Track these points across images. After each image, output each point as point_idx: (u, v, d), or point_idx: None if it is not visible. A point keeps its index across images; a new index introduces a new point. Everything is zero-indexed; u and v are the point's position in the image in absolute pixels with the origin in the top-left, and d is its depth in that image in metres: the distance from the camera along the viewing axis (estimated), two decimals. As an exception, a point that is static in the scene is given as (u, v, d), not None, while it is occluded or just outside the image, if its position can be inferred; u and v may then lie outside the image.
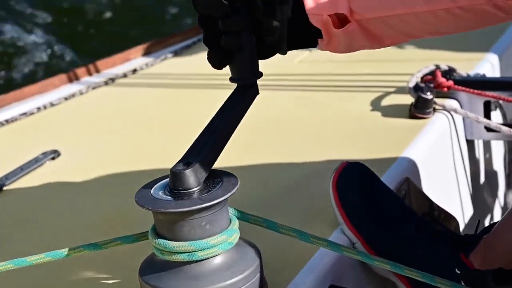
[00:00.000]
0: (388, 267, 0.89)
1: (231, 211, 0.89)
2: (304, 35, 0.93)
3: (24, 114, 1.95)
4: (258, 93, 0.96)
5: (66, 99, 2.05)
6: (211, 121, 0.92)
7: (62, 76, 2.22)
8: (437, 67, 1.62)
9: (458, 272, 1.03)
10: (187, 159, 0.85)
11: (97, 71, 2.30)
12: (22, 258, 0.91)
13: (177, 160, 0.86)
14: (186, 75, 2.11)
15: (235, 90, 0.96)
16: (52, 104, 2.01)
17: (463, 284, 1.02)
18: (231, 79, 0.95)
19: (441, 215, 1.27)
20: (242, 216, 0.90)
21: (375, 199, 1.06)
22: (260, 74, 0.95)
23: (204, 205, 0.80)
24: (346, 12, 0.87)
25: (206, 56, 0.93)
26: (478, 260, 1.05)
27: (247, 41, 0.91)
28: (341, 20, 0.88)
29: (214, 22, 0.90)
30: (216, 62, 0.93)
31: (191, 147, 0.88)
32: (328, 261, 1.00)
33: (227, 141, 0.90)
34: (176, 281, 0.83)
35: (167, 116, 1.80)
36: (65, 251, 0.91)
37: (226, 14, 0.89)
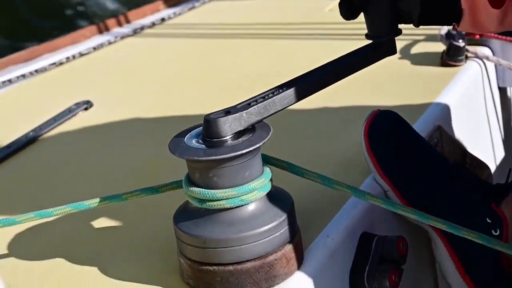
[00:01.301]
0: (412, 216, 0.89)
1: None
2: (441, 11, 0.90)
3: (54, 64, 1.96)
4: (394, 52, 0.96)
5: (95, 49, 2.06)
6: (306, 73, 0.92)
7: (93, 27, 2.22)
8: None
9: (489, 221, 1.03)
10: (230, 109, 0.85)
11: (128, 21, 2.30)
12: (46, 209, 0.92)
13: (211, 110, 0.86)
14: (216, 25, 2.11)
15: (368, 44, 0.96)
16: (81, 54, 2.02)
17: (493, 232, 1.03)
18: (366, 36, 0.96)
19: (473, 163, 1.27)
20: (267, 160, 0.91)
21: (407, 147, 1.06)
22: (398, 31, 0.95)
23: (236, 153, 0.81)
24: None
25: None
26: (509, 209, 1.05)
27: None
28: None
29: None
30: (342, 12, 0.93)
31: (251, 98, 0.88)
32: (360, 209, 1.01)
33: (309, 94, 0.91)
34: (210, 228, 0.84)
35: (198, 66, 1.80)
36: (89, 203, 0.93)
37: None
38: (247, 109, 0.85)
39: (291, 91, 0.90)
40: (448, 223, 0.88)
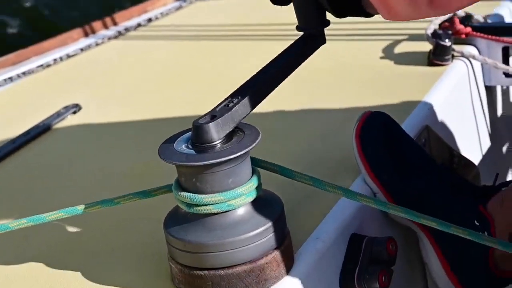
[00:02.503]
0: (404, 215, 0.90)
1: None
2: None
3: (41, 66, 1.96)
4: (324, 42, 0.97)
5: (82, 50, 2.05)
6: (259, 72, 0.93)
7: (80, 30, 2.22)
8: (455, 14, 1.61)
9: (477, 223, 1.04)
10: (213, 112, 0.86)
11: (115, 23, 2.30)
12: (39, 215, 0.92)
13: (200, 112, 0.87)
14: (204, 26, 2.11)
15: (299, 38, 0.96)
16: (68, 56, 2.02)
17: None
18: (297, 28, 0.96)
19: (461, 162, 1.28)
20: (257, 163, 0.91)
21: (397, 149, 1.06)
22: (326, 23, 0.96)
23: (225, 158, 0.81)
24: None
25: None
26: (496, 211, 1.06)
27: None
28: None
29: None
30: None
31: (227, 97, 0.89)
32: (350, 210, 1.01)
33: (269, 92, 0.91)
34: (199, 232, 0.85)
35: (186, 67, 1.80)
36: (82, 207, 0.93)
37: None
38: (229, 110, 0.85)
39: (256, 90, 0.90)
40: (438, 220, 0.88)
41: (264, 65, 0.95)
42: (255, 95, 0.89)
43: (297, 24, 0.97)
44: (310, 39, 0.97)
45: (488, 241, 0.89)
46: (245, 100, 0.88)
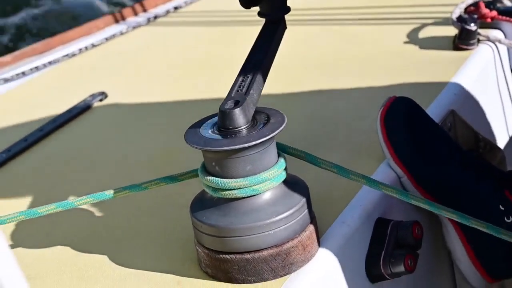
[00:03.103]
0: (425, 206, 0.90)
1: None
2: None
3: (67, 55, 1.97)
4: (285, 27, 0.97)
5: (107, 39, 2.06)
6: (248, 57, 0.93)
7: (106, 18, 2.23)
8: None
9: (502, 208, 1.04)
10: (234, 98, 0.86)
11: (140, 11, 2.31)
12: (67, 200, 0.93)
13: (223, 98, 0.87)
14: (229, 12, 2.11)
15: (264, 25, 0.97)
16: (93, 45, 2.03)
17: (506, 219, 1.03)
18: (259, 13, 0.97)
19: (487, 146, 1.27)
20: (283, 149, 0.91)
21: (422, 134, 1.06)
22: (287, 9, 0.96)
23: (253, 143, 0.82)
24: None
25: None
26: None
27: None
28: None
29: None
30: (242, 2, 0.94)
31: (234, 84, 0.90)
32: (375, 194, 1.01)
33: (266, 77, 0.92)
34: (226, 217, 0.85)
35: (210, 54, 1.80)
36: (110, 193, 0.94)
37: None
38: (248, 94, 0.86)
39: (257, 70, 0.91)
40: (458, 213, 0.88)
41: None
42: (260, 76, 0.90)
43: (259, 10, 0.97)
44: (273, 25, 0.98)
45: (506, 235, 0.89)
46: (255, 83, 0.88)
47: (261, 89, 0.90)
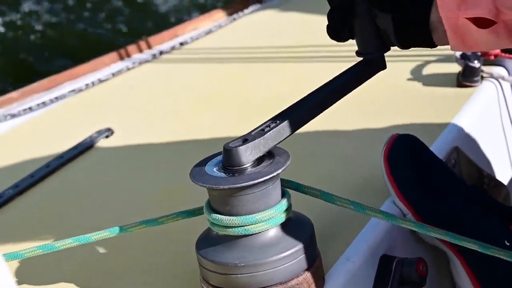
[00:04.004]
0: (446, 238, 0.90)
1: (288, 183, 0.92)
2: (419, 33, 0.89)
3: (73, 91, 1.99)
4: (384, 67, 0.98)
5: (113, 75, 2.08)
6: (308, 95, 0.94)
7: (112, 55, 2.25)
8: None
9: (508, 244, 1.04)
10: (246, 136, 0.87)
11: (141, 50, 2.33)
12: (85, 235, 0.94)
13: (231, 135, 0.88)
14: (235, 49, 2.13)
15: (358, 62, 0.98)
16: (100, 81, 2.04)
17: None
18: (357, 53, 0.97)
19: (491, 183, 1.28)
20: (298, 188, 0.92)
21: (425, 170, 1.07)
22: (386, 48, 0.96)
23: (255, 182, 0.82)
24: (489, 15, 0.78)
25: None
26: None
27: (362, 17, 0.93)
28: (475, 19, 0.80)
29: None
30: (332, 34, 0.94)
31: (263, 123, 0.90)
32: (380, 231, 1.02)
33: (309, 120, 0.92)
34: (231, 254, 0.86)
35: (216, 91, 1.81)
36: (126, 227, 0.95)
37: None
38: (262, 135, 0.87)
39: (298, 115, 0.91)
40: (479, 242, 0.89)
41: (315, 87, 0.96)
42: (294, 122, 0.90)
43: (357, 49, 0.97)
44: (369, 65, 0.98)
45: None
46: (282, 126, 0.89)
47: (291, 132, 0.90)
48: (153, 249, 1.09)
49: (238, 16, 2.50)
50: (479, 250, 0.89)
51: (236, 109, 1.62)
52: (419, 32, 0.88)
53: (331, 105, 0.95)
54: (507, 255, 0.89)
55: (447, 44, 0.86)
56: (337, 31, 0.94)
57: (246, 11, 2.55)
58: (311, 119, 0.93)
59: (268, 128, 0.88)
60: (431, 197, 1.05)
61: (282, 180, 0.91)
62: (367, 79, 0.97)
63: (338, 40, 0.95)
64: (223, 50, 2.16)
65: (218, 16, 2.54)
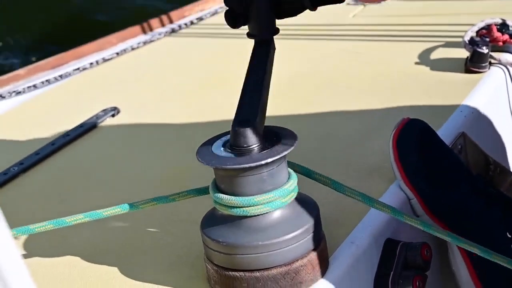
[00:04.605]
0: (448, 239, 0.90)
1: (297, 168, 0.92)
2: None
3: (78, 69, 1.98)
4: (274, 48, 0.97)
5: (118, 54, 2.07)
6: (247, 78, 0.94)
7: (119, 34, 2.25)
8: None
9: (510, 236, 1.04)
10: (244, 117, 0.87)
11: (151, 29, 2.32)
12: (96, 211, 0.94)
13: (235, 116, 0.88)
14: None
15: (255, 46, 0.98)
16: (104, 60, 2.04)
17: None
18: (248, 34, 0.98)
19: (497, 169, 1.28)
20: (308, 173, 0.92)
21: (433, 157, 1.07)
22: (276, 31, 0.97)
23: (264, 162, 0.82)
24: None
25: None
26: None
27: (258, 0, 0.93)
28: None
29: None
30: (228, 21, 0.95)
31: (241, 104, 0.90)
32: (385, 215, 1.01)
33: (268, 97, 0.92)
34: (236, 234, 0.86)
35: (228, 69, 1.81)
36: (138, 203, 0.95)
37: None
38: (258, 113, 0.87)
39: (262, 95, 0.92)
40: (480, 247, 0.89)
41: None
42: (263, 97, 0.91)
43: (248, 31, 0.98)
44: (261, 46, 0.98)
45: None
46: (259, 103, 0.89)
47: (266, 109, 0.90)
48: (158, 228, 1.09)
49: None
50: (481, 255, 0.90)
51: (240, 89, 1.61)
52: None
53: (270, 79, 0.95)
54: (509, 263, 0.89)
55: None
56: (235, 22, 0.95)
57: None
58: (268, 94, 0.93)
59: (253, 106, 0.89)
60: (438, 184, 1.05)
61: (290, 163, 0.91)
62: (268, 59, 0.97)
63: (234, 27, 0.95)
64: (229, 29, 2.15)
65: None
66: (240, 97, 0.92)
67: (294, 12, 0.96)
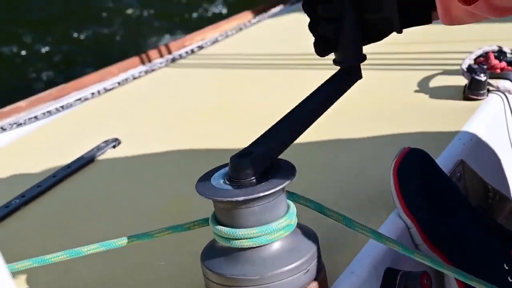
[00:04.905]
0: (428, 263, 0.90)
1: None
2: (416, 9, 0.92)
3: (79, 99, 1.99)
4: (360, 77, 0.99)
5: (119, 84, 2.08)
6: (299, 105, 0.95)
7: (120, 65, 2.26)
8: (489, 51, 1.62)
9: (507, 267, 1.04)
10: (250, 148, 0.88)
11: (151, 59, 2.34)
12: (77, 248, 0.94)
13: (238, 146, 0.88)
14: (253, 56, 2.13)
15: (339, 72, 0.99)
16: (106, 90, 2.05)
17: (509, 279, 1.03)
18: (334, 62, 0.99)
19: (496, 197, 1.28)
20: (293, 198, 0.92)
21: (433, 187, 1.07)
22: (363, 57, 0.98)
23: (261, 194, 0.83)
24: None
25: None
26: None
27: (349, 26, 0.94)
28: None
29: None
30: (317, 50, 0.96)
31: (264, 133, 0.91)
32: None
33: (305, 129, 0.93)
34: (235, 266, 0.86)
35: (228, 100, 1.82)
36: (121, 241, 0.95)
37: None
38: (267, 147, 0.87)
39: (294, 125, 0.93)
40: (462, 272, 0.88)
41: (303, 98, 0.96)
42: (292, 132, 0.91)
43: (334, 58, 0.99)
44: (347, 74, 0.99)
45: None
46: (282, 137, 0.89)
47: (290, 142, 0.91)
48: (158, 260, 1.09)
49: (245, 26, 2.51)
50: (463, 281, 0.89)
51: (248, 118, 1.62)
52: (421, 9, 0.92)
53: (322, 114, 0.96)
54: None
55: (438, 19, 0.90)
56: (327, 50, 0.96)
57: (253, 20, 2.56)
58: (305, 130, 0.94)
59: (269, 140, 0.89)
60: (436, 213, 1.05)
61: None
62: (348, 88, 0.98)
63: (323, 55, 0.97)
64: (231, 56, 2.16)
65: (225, 27, 2.55)
66: (274, 124, 0.92)
67: (381, 36, 0.98)
